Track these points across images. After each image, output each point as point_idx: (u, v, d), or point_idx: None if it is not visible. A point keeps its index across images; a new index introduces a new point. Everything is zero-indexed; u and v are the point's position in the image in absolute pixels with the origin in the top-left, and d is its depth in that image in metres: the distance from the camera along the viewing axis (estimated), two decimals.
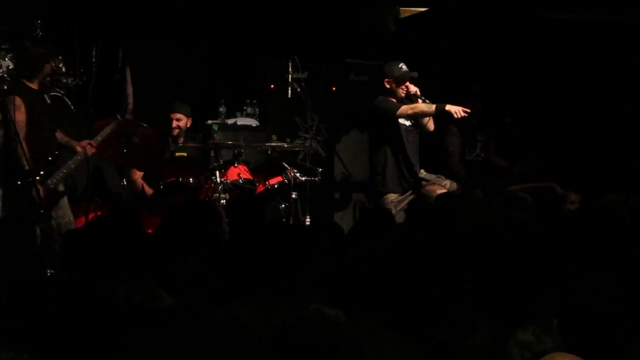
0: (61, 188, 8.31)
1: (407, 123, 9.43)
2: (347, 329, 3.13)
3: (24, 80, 8.25)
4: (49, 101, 8.39)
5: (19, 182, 7.86)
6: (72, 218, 8.34)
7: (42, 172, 8.01)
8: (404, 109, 9.24)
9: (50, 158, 8.19)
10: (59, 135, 8.40)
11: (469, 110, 9.10)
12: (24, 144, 7.82)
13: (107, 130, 8.41)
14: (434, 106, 9.15)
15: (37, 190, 7.78)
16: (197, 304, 3.23)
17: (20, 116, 8.05)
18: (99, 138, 8.39)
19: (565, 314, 3.40)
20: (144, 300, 3.46)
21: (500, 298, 4.32)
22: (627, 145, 10.64)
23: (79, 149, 8.34)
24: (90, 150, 8.33)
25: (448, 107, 9.05)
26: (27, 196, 7.98)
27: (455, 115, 9.02)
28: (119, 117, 10.15)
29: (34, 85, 8.26)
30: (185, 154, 9.54)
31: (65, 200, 8.37)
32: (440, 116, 9.41)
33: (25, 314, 3.47)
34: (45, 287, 3.77)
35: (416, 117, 9.33)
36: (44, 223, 8.02)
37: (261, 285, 4.16)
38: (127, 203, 9.11)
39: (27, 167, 7.79)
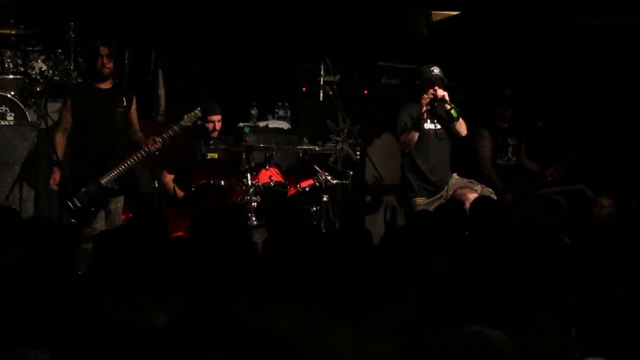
0: (115, 186, 8.36)
1: (433, 127, 9.41)
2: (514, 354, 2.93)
3: (89, 81, 8.53)
4: (124, 102, 8.41)
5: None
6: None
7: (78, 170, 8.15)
8: (402, 139, 9.40)
9: (93, 157, 8.24)
10: (131, 131, 8.49)
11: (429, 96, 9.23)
12: (59, 138, 8.11)
13: (174, 130, 8.51)
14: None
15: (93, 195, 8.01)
16: (231, 308, 3.19)
17: (64, 111, 8.26)
18: (165, 135, 8.44)
19: (585, 323, 3.34)
20: (133, 315, 3.40)
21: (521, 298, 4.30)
22: None
23: (144, 145, 8.37)
24: (154, 146, 8.35)
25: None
26: (68, 196, 8.12)
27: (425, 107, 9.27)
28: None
29: (104, 85, 8.34)
30: (216, 156, 9.55)
31: (118, 199, 8.46)
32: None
33: (49, 313, 3.47)
34: (72, 288, 3.77)
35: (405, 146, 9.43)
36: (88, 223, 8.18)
37: (296, 289, 4.13)
38: (156, 205, 9.13)
39: (54, 158, 7.98)
